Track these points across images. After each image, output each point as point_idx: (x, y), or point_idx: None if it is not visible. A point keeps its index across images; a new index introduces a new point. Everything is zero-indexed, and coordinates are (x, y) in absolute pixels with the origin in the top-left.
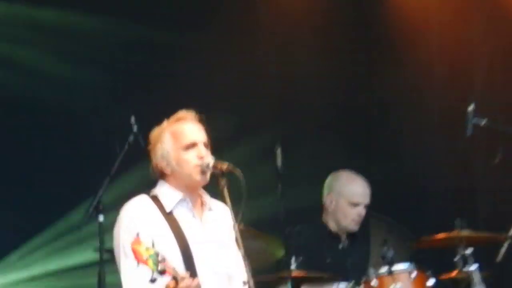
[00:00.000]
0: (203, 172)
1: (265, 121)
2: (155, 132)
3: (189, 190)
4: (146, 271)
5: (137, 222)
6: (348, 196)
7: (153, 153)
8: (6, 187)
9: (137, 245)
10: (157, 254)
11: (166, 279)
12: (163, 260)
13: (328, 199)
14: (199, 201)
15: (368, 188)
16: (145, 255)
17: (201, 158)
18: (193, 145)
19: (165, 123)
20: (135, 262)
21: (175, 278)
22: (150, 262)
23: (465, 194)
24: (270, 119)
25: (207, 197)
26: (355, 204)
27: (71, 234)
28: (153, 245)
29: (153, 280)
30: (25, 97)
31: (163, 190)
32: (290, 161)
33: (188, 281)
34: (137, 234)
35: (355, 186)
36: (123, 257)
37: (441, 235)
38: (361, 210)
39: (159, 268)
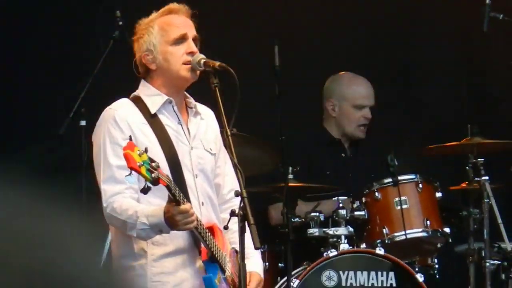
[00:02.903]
0: (192, 69)
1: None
2: (142, 23)
3: (175, 89)
4: (137, 180)
5: (124, 125)
6: (352, 99)
7: (138, 46)
8: None
9: (130, 149)
10: (151, 160)
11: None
12: (157, 166)
13: (329, 104)
14: (184, 104)
15: (372, 88)
16: (138, 161)
17: (191, 53)
18: (182, 39)
19: (154, 14)
20: (126, 169)
21: (174, 197)
22: (144, 169)
23: (479, 98)
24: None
25: (192, 100)
26: (360, 107)
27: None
28: (146, 150)
29: (145, 190)
30: None
31: (146, 90)
32: (289, 60)
33: (188, 206)
34: (129, 138)
35: (359, 87)
36: (107, 161)
37: (450, 143)
38: (366, 113)
39: (153, 176)
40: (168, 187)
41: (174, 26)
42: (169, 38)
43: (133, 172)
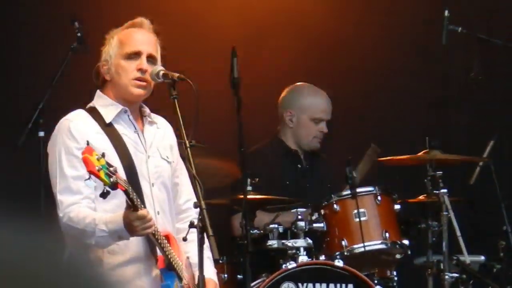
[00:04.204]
0: (140, 86)
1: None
2: (109, 33)
3: (128, 103)
4: (96, 184)
5: (82, 132)
6: (310, 112)
7: (100, 55)
8: None
9: (88, 154)
10: (109, 165)
11: (117, 193)
12: (115, 171)
13: (286, 115)
14: (139, 113)
15: (330, 103)
16: (97, 165)
17: (141, 70)
18: (136, 54)
19: (120, 27)
20: (85, 173)
21: (131, 202)
22: (102, 173)
23: (438, 112)
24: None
25: (146, 109)
26: (318, 120)
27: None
28: (103, 155)
29: (105, 194)
30: None
31: (101, 101)
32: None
33: (145, 211)
34: (87, 143)
35: (318, 100)
36: (62, 172)
37: (409, 155)
38: (323, 127)
39: (111, 180)
40: (126, 192)
41: (131, 41)
42: (123, 51)
43: (92, 176)
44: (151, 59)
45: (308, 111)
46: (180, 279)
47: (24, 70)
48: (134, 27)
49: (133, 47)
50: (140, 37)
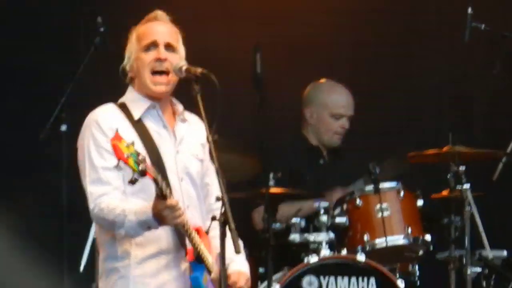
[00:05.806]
0: (158, 83)
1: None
2: (129, 34)
3: (153, 98)
4: (125, 171)
5: (108, 129)
6: (330, 108)
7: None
8: None
9: (117, 141)
10: (137, 153)
11: (146, 181)
12: (144, 160)
13: (307, 112)
14: (170, 109)
15: (351, 98)
16: (126, 152)
17: (159, 59)
18: (153, 45)
19: (139, 24)
20: (115, 160)
21: (160, 191)
22: (131, 160)
23: (460, 107)
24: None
25: (180, 106)
26: (338, 116)
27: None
28: (133, 143)
29: (133, 181)
30: None
31: (130, 96)
32: (271, 68)
33: (174, 201)
34: (116, 130)
35: (338, 96)
36: (92, 163)
37: (432, 151)
38: (344, 123)
39: (140, 168)
40: (155, 180)
41: (148, 33)
42: (141, 45)
43: (120, 163)
44: (170, 48)
45: (327, 107)
46: (210, 272)
47: (48, 64)
48: (150, 21)
49: (149, 38)
50: (156, 28)
